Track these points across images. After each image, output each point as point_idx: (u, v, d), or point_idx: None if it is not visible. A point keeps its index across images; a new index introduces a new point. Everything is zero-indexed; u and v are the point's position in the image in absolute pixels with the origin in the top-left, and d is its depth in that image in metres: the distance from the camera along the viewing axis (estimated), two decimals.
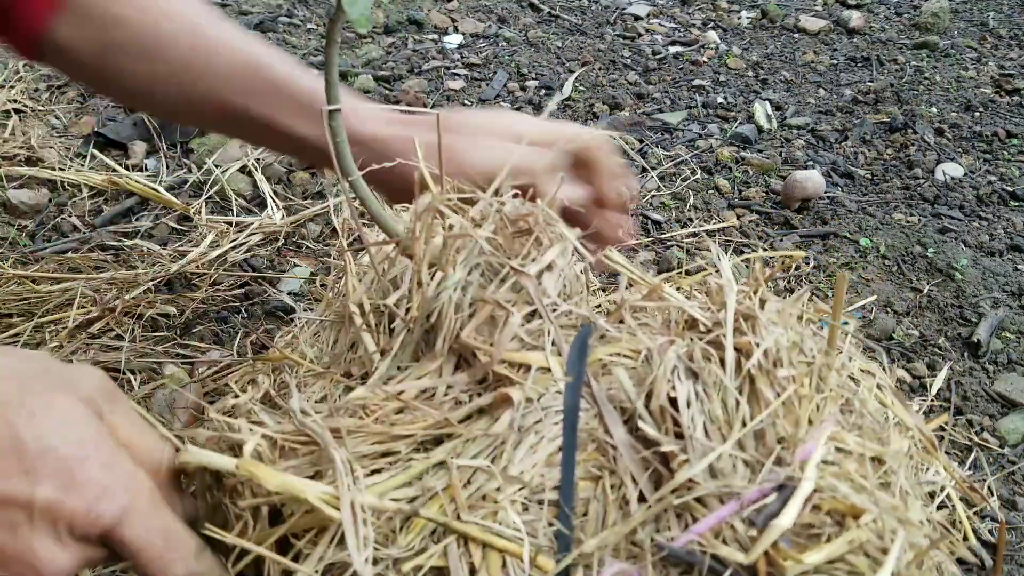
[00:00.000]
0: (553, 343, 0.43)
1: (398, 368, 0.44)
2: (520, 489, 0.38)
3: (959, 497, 0.61)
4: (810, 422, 0.39)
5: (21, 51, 0.62)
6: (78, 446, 0.37)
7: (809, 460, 0.37)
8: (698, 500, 0.37)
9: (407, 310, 0.45)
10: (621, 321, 0.45)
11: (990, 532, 0.66)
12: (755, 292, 0.44)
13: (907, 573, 0.36)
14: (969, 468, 0.72)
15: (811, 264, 0.96)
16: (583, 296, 0.47)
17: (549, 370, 0.42)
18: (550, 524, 0.38)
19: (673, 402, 0.39)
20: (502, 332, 0.42)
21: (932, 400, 0.79)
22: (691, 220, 1.05)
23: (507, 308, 0.42)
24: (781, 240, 1.01)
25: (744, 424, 0.38)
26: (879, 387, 0.46)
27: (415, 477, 0.38)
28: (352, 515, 0.35)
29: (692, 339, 0.42)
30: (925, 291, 0.93)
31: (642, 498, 0.38)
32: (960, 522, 0.59)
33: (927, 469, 0.51)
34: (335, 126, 0.43)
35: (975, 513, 0.67)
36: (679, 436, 0.38)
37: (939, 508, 0.57)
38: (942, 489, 0.57)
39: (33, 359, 0.40)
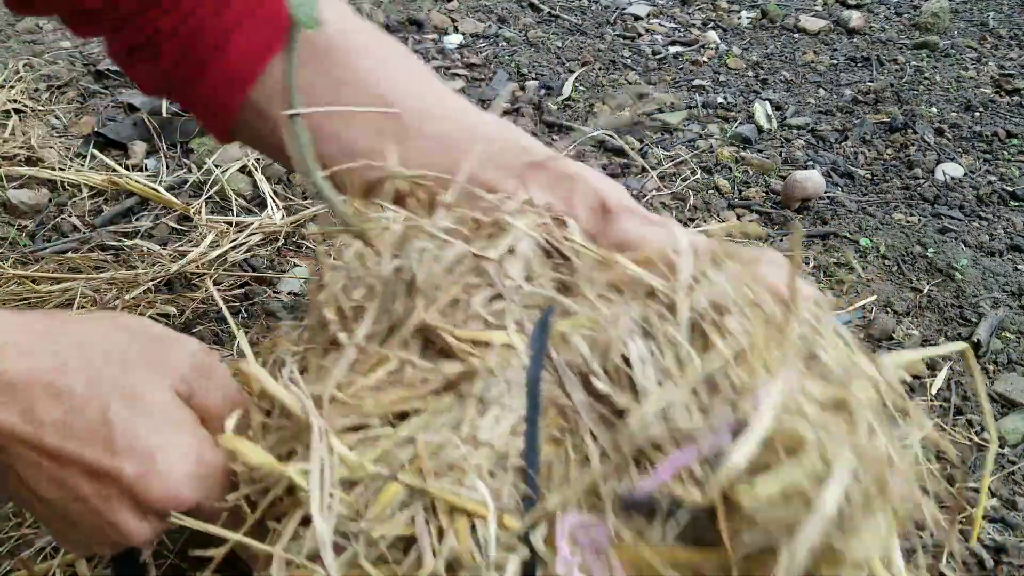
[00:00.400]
0: (516, 322, 0.43)
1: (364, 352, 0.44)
2: (487, 456, 0.39)
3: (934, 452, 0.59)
4: (768, 372, 0.39)
5: (215, 119, 0.58)
6: (162, 436, 0.40)
7: (762, 403, 0.36)
8: (656, 448, 0.37)
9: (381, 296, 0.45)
10: (584, 297, 0.46)
11: (990, 535, 0.66)
12: (712, 260, 0.44)
13: (874, 504, 0.35)
14: (969, 468, 0.72)
15: (811, 264, 0.96)
16: (546, 278, 0.47)
17: (512, 347, 0.42)
18: (516, 487, 0.38)
19: (628, 362, 0.40)
20: (445, 293, 0.43)
21: (932, 400, 0.79)
22: (691, 220, 1.05)
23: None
24: (781, 240, 1.01)
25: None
26: (847, 344, 0.45)
27: (383, 454, 0.39)
28: (320, 480, 0.36)
29: (648, 305, 0.43)
30: (925, 291, 0.93)
31: (604, 455, 0.39)
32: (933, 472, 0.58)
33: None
34: (296, 129, 0.44)
35: (984, 516, 0.67)
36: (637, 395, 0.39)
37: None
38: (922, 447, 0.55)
39: (134, 334, 0.43)
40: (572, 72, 1.45)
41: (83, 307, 0.83)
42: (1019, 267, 0.99)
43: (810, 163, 1.20)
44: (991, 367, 0.83)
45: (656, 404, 0.37)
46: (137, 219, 1.01)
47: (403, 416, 0.41)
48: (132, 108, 1.22)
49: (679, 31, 1.70)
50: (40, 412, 0.38)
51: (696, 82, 1.46)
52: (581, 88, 1.41)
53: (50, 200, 1.03)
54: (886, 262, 0.98)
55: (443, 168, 0.52)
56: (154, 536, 0.42)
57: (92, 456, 0.39)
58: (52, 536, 0.45)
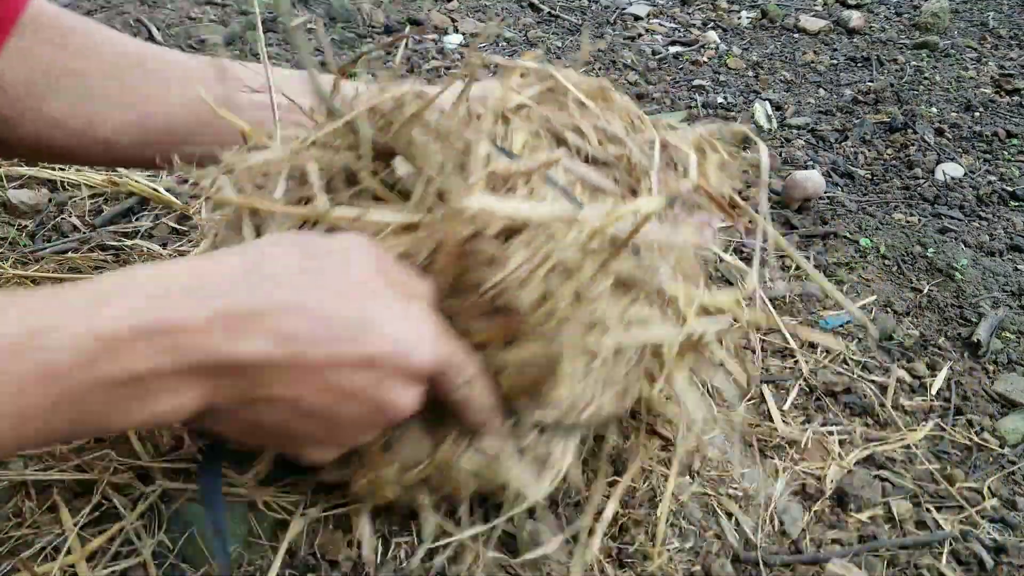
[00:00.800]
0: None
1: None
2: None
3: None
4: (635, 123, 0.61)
5: None
6: (400, 311, 0.44)
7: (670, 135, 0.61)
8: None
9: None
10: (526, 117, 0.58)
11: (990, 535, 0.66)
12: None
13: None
14: (969, 468, 0.72)
15: (811, 264, 0.96)
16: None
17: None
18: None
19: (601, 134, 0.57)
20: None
21: (932, 400, 0.79)
22: None
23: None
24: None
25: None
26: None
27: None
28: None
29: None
30: (925, 291, 0.93)
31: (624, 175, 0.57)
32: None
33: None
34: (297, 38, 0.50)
35: (977, 514, 0.67)
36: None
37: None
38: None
39: (317, 241, 0.45)
40: None
41: None
42: (1019, 267, 0.99)
43: (810, 163, 1.20)
44: (991, 367, 0.83)
45: (658, 159, 0.57)
46: (137, 219, 1.01)
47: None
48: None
49: (679, 31, 1.71)
50: (290, 330, 0.40)
51: (696, 82, 1.46)
52: None
53: (50, 200, 1.03)
54: (886, 262, 0.98)
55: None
56: (417, 405, 0.46)
57: (356, 349, 0.42)
58: (299, 457, 0.48)
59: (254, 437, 0.46)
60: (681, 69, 1.52)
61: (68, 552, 0.57)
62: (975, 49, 1.66)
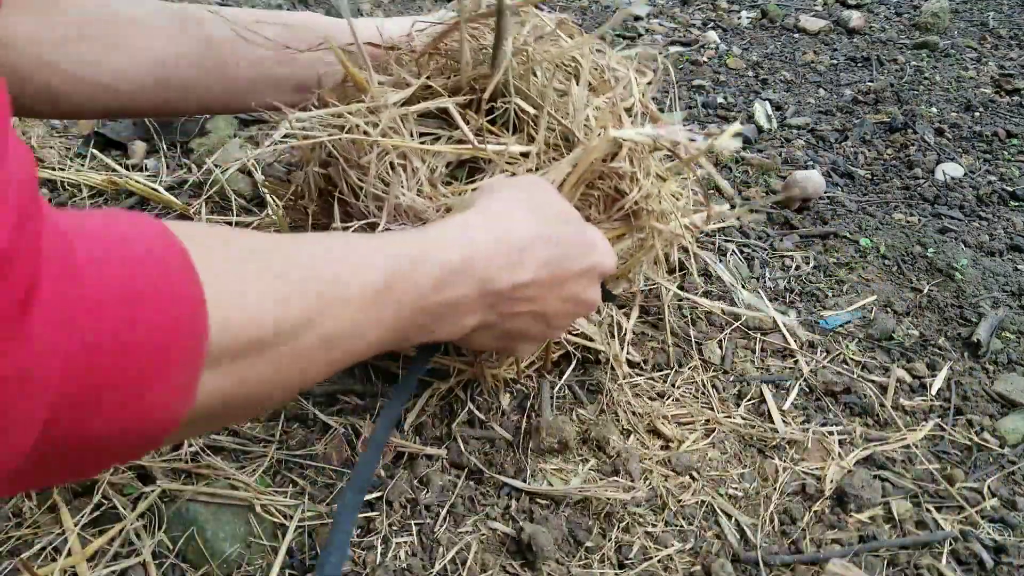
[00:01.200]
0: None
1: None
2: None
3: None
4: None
5: None
6: (595, 231, 0.57)
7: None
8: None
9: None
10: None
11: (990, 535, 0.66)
12: None
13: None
14: (969, 468, 0.72)
15: (811, 264, 0.96)
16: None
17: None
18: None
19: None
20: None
21: (932, 400, 0.79)
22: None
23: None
24: (781, 240, 1.01)
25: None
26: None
27: None
28: None
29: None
30: (925, 291, 0.93)
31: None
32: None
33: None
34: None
35: (977, 513, 0.67)
36: None
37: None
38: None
39: (518, 184, 0.57)
40: None
41: None
42: (1019, 267, 0.99)
43: (810, 163, 1.20)
44: (991, 367, 0.83)
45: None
46: None
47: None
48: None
49: (679, 31, 1.70)
50: (546, 256, 0.52)
51: (696, 82, 1.46)
52: None
53: (50, 200, 1.03)
54: (886, 262, 0.98)
55: None
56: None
57: (583, 262, 0.54)
58: (514, 352, 0.61)
59: (498, 343, 0.56)
60: (681, 69, 1.52)
61: (68, 552, 0.57)
62: (975, 49, 1.66)
